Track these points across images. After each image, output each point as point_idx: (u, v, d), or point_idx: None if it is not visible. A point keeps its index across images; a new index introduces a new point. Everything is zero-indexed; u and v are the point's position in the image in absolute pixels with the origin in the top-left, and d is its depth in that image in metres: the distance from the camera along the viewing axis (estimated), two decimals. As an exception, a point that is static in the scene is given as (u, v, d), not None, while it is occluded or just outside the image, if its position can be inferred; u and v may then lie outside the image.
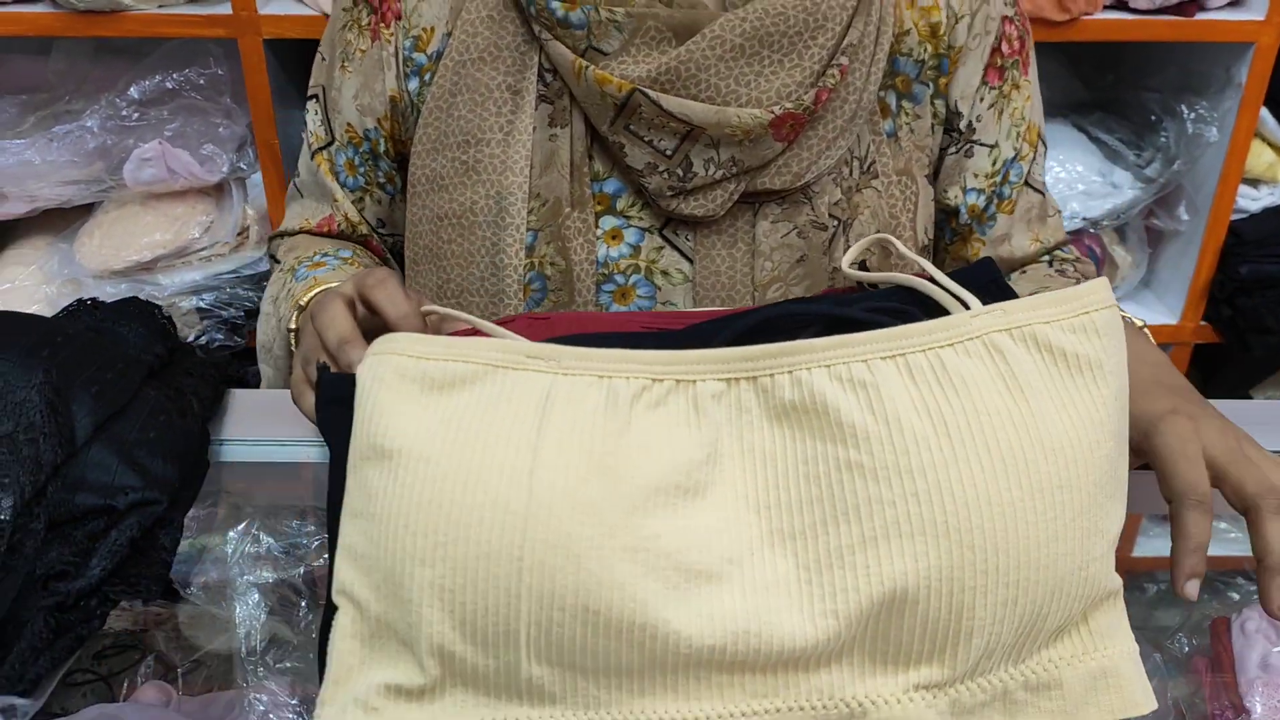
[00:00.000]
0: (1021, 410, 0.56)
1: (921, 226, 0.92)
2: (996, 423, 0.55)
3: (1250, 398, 1.82)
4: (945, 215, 0.96)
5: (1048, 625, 0.57)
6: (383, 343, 0.58)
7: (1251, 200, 1.66)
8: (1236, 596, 0.96)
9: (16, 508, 0.62)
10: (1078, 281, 0.88)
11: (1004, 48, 0.91)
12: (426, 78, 0.86)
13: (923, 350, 0.57)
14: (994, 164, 0.93)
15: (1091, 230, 1.64)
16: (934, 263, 0.93)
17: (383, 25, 0.88)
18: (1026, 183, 0.94)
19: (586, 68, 0.80)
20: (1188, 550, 0.64)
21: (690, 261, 0.85)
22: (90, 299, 0.86)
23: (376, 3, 0.88)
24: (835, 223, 0.86)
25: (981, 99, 0.92)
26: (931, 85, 0.90)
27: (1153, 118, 1.65)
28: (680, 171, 0.82)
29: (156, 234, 1.41)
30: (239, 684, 0.70)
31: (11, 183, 1.40)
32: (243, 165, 1.45)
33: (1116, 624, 0.60)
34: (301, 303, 0.81)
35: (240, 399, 0.80)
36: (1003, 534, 0.54)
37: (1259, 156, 1.64)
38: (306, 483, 0.80)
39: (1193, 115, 1.61)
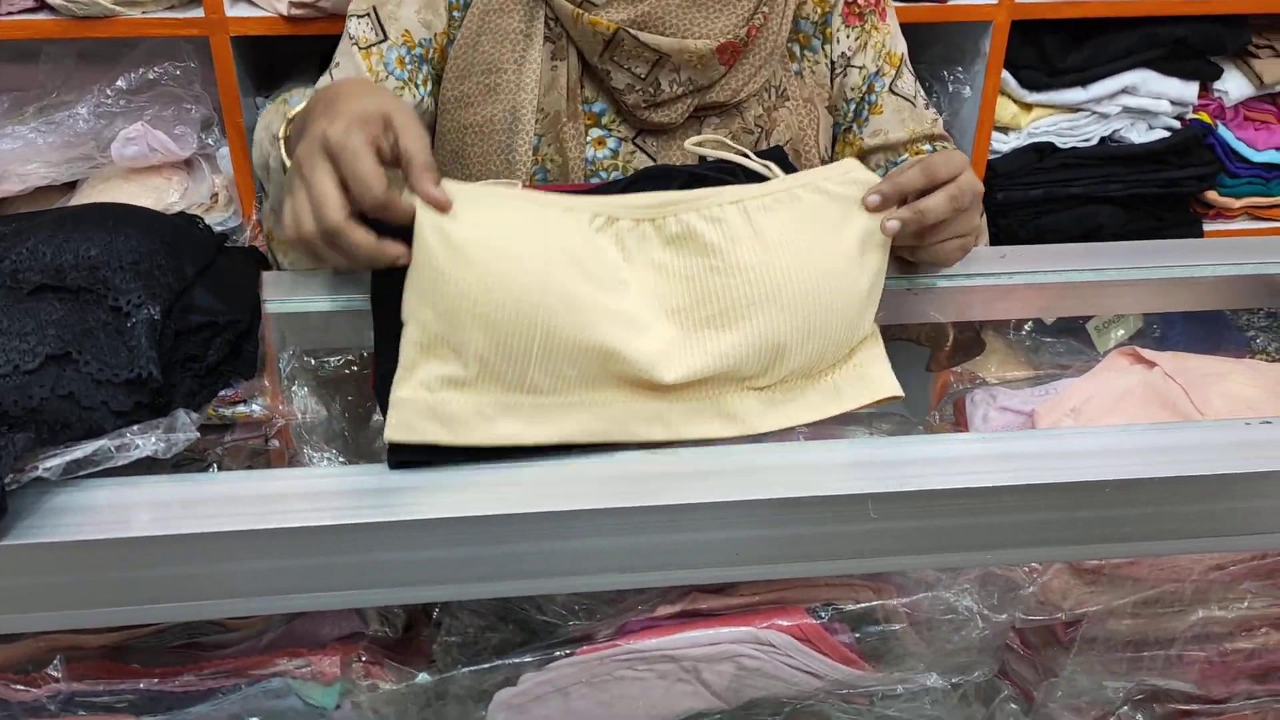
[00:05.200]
0: (813, 230, 0.81)
1: (823, 144, 1.17)
2: (798, 239, 0.80)
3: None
4: (835, 123, 1.20)
5: (829, 356, 0.83)
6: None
7: (1002, 143, 1.89)
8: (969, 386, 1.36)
9: (164, 311, 0.94)
10: None
11: (860, 1, 1.16)
12: (455, 15, 1.09)
13: (753, 198, 0.82)
14: (862, 79, 1.18)
15: (890, 170, 1.91)
16: (830, 159, 1.22)
17: None
18: (891, 91, 1.18)
19: (582, 14, 1.04)
20: (889, 180, 0.85)
21: (654, 160, 1.10)
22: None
23: None
24: (759, 130, 1.12)
25: (846, 36, 1.16)
26: (822, 37, 1.16)
27: (925, 83, 1.77)
28: (651, 90, 1.06)
29: (141, 200, 1.62)
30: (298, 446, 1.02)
31: (17, 162, 1.60)
32: (209, 142, 1.68)
33: (877, 352, 0.87)
34: (289, 116, 0.93)
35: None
36: (804, 302, 0.79)
37: (1004, 109, 1.87)
38: (320, 330, 1.11)
39: (953, 79, 1.84)
